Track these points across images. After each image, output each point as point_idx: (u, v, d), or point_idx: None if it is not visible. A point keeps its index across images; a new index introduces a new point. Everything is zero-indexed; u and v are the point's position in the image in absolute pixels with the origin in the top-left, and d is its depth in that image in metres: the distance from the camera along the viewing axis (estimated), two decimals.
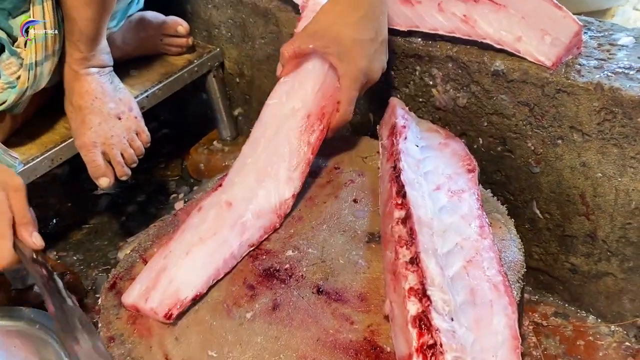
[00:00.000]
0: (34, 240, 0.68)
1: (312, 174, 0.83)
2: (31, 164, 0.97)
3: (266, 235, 0.74)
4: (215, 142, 1.36)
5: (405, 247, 0.59)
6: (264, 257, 0.71)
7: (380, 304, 0.63)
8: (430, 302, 0.53)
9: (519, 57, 0.82)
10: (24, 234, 0.67)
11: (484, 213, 0.67)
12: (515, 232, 0.71)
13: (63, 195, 1.32)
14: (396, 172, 0.68)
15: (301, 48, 0.79)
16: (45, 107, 1.03)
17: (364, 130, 1.03)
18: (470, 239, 0.62)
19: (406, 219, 0.61)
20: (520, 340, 0.55)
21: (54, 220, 1.26)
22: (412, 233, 0.59)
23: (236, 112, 1.34)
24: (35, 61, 0.89)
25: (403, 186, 0.65)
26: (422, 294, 0.54)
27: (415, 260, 0.57)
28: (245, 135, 1.39)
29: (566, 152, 0.83)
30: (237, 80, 1.27)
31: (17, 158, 0.92)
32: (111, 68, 0.99)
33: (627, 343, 0.88)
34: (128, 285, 0.69)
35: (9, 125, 0.97)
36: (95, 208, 1.29)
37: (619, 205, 0.81)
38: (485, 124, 0.90)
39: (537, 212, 0.91)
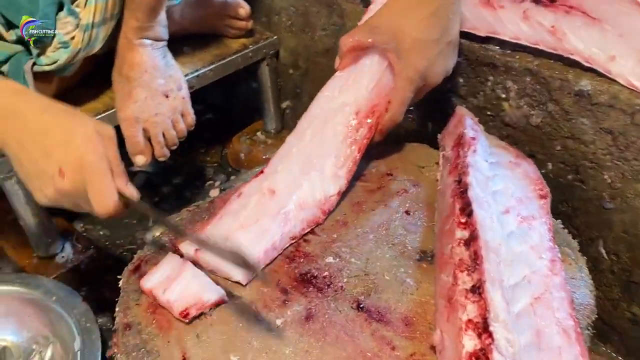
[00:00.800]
0: (130, 190, 0.61)
1: (361, 177, 0.77)
2: None
3: (309, 229, 0.68)
4: (258, 133, 1.32)
5: (466, 272, 0.51)
6: (302, 259, 0.65)
7: (427, 331, 0.56)
8: (493, 340, 0.46)
9: (609, 78, 0.74)
10: (119, 183, 0.60)
11: (556, 246, 0.59)
12: (587, 271, 0.63)
13: None
14: (461, 187, 0.61)
15: (360, 42, 0.74)
16: (93, 74, 0.99)
17: (419, 139, 0.96)
18: (540, 274, 0.55)
19: (470, 241, 0.54)
20: None
21: None
22: (476, 258, 0.52)
23: (284, 105, 1.29)
24: (93, 22, 0.85)
25: (469, 203, 0.57)
26: (483, 330, 0.46)
27: (477, 290, 0.49)
28: (290, 130, 1.33)
29: None
30: (291, 71, 1.22)
31: None
32: (165, 43, 0.95)
33: None
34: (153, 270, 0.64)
35: (56, 86, 0.94)
36: None
37: None
38: (558, 147, 0.81)
39: (603, 251, 0.83)
